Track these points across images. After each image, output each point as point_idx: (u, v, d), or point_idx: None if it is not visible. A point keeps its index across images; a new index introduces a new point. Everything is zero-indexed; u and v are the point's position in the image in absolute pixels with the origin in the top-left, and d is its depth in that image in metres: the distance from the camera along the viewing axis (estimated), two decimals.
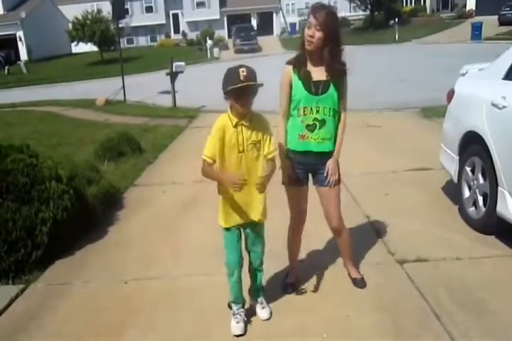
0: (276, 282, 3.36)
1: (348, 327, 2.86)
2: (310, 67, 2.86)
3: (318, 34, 2.72)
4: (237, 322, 2.87)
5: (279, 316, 3.00)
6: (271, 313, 3.00)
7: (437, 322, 2.83)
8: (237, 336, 2.83)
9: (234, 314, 2.91)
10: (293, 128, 2.93)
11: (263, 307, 3.01)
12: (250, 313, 2.99)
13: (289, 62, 2.91)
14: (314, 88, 2.83)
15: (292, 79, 2.87)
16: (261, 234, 2.91)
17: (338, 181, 3.03)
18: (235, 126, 2.61)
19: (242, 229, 2.85)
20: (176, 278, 3.60)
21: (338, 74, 2.84)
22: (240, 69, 2.47)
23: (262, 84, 2.54)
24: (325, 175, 2.98)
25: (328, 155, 2.95)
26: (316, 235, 3.72)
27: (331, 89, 2.84)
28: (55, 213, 3.95)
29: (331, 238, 3.87)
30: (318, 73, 2.84)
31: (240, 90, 2.48)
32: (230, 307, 2.96)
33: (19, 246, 3.74)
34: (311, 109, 2.84)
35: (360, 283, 3.25)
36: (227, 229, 2.81)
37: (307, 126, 2.86)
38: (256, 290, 3.06)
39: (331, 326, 2.87)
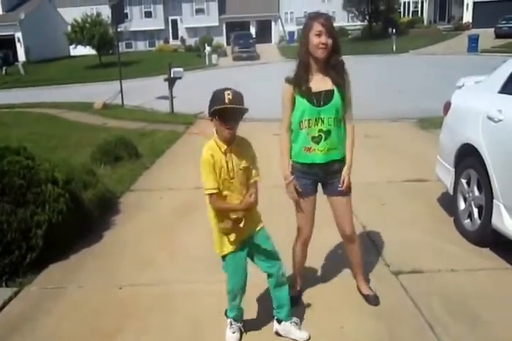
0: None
1: (342, 338, 2.86)
2: (314, 76, 2.83)
3: (330, 41, 2.73)
4: (233, 333, 2.83)
5: (273, 324, 2.99)
6: (309, 334, 2.85)
7: (431, 333, 2.84)
8: None
9: (231, 324, 2.86)
10: (298, 141, 2.90)
11: (299, 328, 2.85)
12: (245, 322, 2.96)
13: (288, 82, 2.86)
14: (316, 100, 2.81)
15: (294, 94, 2.85)
16: (270, 242, 2.75)
17: (349, 189, 3.02)
18: (224, 153, 2.54)
19: (245, 249, 2.70)
20: (171, 283, 3.60)
21: (344, 82, 2.84)
22: (226, 92, 2.45)
23: (247, 109, 2.50)
24: (338, 184, 2.95)
25: (334, 164, 2.92)
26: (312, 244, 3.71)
27: (335, 99, 2.82)
28: (50, 216, 3.94)
29: (329, 247, 3.90)
30: (323, 82, 2.82)
31: (224, 112, 2.45)
32: (226, 316, 2.90)
33: (13, 249, 3.73)
34: (316, 120, 2.81)
35: (373, 300, 3.16)
36: (230, 254, 2.66)
37: (312, 138, 2.84)
38: (287, 310, 2.83)
39: (325, 337, 2.87)
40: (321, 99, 2.81)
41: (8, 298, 3.43)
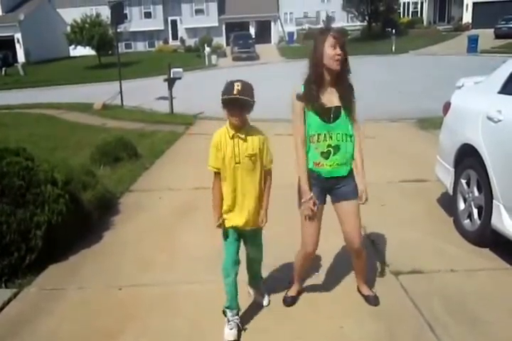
0: (274, 288, 3.36)
1: (341, 338, 2.86)
2: (324, 90, 2.82)
3: (343, 54, 2.75)
4: (231, 329, 2.90)
5: (273, 326, 3.00)
6: (269, 301, 3.20)
7: (431, 334, 2.84)
8: None
9: (228, 320, 2.93)
10: (308, 155, 2.88)
11: (262, 295, 3.20)
12: (245, 321, 2.99)
13: (299, 99, 2.83)
14: (327, 116, 2.81)
15: (305, 110, 2.83)
16: (258, 242, 3.02)
17: (357, 195, 2.97)
18: (232, 138, 2.76)
19: (240, 234, 2.92)
20: (171, 284, 3.59)
21: (351, 99, 2.86)
22: (236, 83, 2.66)
23: (253, 101, 2.70)
24: (345, 190, 2.93)
25: (344, 176, 2.92)
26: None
27: (343, 114, 2.83)
28: (49, 217, 3.93)
29: (332, 248, 3.89)
30: (332, 97, 2.83)
31: (230, 102, 2.67)
32: (224, 314, 2.96)
33: (13, 250, 3.72)
34: (325, 135, 2.82)
35: (373, 300, 3.17)
36: (227, 229, 2.89)
37: (321, 153, 2.85)
38: (252, 281, 3.23)
39: (324, 337, 2.88)
40: (330, 114, 2.81)
41: (7, 299, 3.42)
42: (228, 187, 2.82)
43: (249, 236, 2.96)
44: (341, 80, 2.83)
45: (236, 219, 2.85)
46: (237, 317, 2.95)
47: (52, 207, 3.98)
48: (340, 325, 2.96)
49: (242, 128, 2.76)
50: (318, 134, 2.82)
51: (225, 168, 2.79)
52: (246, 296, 3.27)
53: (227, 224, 2.87)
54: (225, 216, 2.87)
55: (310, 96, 2.81)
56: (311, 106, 2.81)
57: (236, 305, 2.96)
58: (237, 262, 2.92)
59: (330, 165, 2.86)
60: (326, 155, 2.85)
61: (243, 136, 2.76)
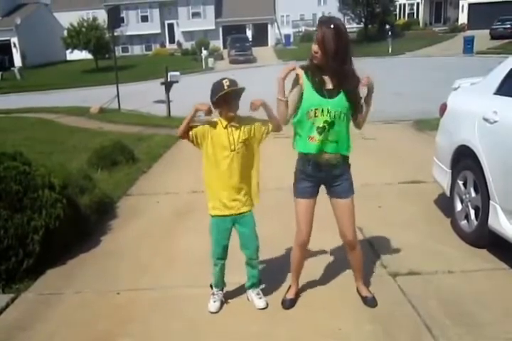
0: (273, 290, 3.37)
1: (340, 340, 2.85)
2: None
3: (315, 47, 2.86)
4: (214, 301, 3.21)
5: (271, 326, 3.01)
6: (267, 303, 3.20)
7: (429, 335, 2.84)
8: (213, 313, 3.15)
9: (213, 294, 3.23)
10: (303, 131, 2.94)
11: (260, 298, 3.23)
12: (243, 324, 2.97)
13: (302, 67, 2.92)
14: (326, 92, 2.87)
15: (304, 83, 2.89)
16: (252, 229, 3.12)
17: (352, 191, 3.07)
18: (226, 128, 2.97)
19: (232, 224, 3.07)
20: (169, 288, 3.59)
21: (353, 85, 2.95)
22: (223, 81, 2.90)
23: (243, 88, 2.93)
24: (345, 189, 3.02)
25: (339, 166, 2.98)
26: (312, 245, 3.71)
27: (342, 95, 2.89)
28: (47, 222, 3.92)
29: (330, 250, 3.90)
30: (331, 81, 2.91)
31: (227, 96, 2.87)
32: (211, 287, 3.26)
33: (10, 255, 3.71)
34: (322, 110, 2.87)
35: (371, 301, 3.19)
36: (215, 218, 3.07)
37: (317, 128, 2.89)
38: (251, 283, 3.26)
39: (322, 338, 2.87)
40: (330, 92, 2.88)
41: (5, 304, 3.41)
42: (225, 175, 2.97)
43: (243, 225, 3.07)
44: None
45: (233, 205, 3.02)
46: (221, 292, 3.25)
47: (50, 211, 3.98)
48: (339, 327, 2.96)
49: (235, 118, 2.99)
50: (316, 109, 2.87)
51: (221, 157, 2.95)
52: (244, 299, 3.29)
53: (224, 212, 3.04)
54: (220, 206, 3.02)
55: (316, 73, 2.87)
56: (312, 81, 2.86)
57: (222, 284, 3.25)
58: (225, 252, 3.13)
59: (321, 141, 2.91)
60: (320, 130, 2.90)
61: (236, 125, 2.97)
